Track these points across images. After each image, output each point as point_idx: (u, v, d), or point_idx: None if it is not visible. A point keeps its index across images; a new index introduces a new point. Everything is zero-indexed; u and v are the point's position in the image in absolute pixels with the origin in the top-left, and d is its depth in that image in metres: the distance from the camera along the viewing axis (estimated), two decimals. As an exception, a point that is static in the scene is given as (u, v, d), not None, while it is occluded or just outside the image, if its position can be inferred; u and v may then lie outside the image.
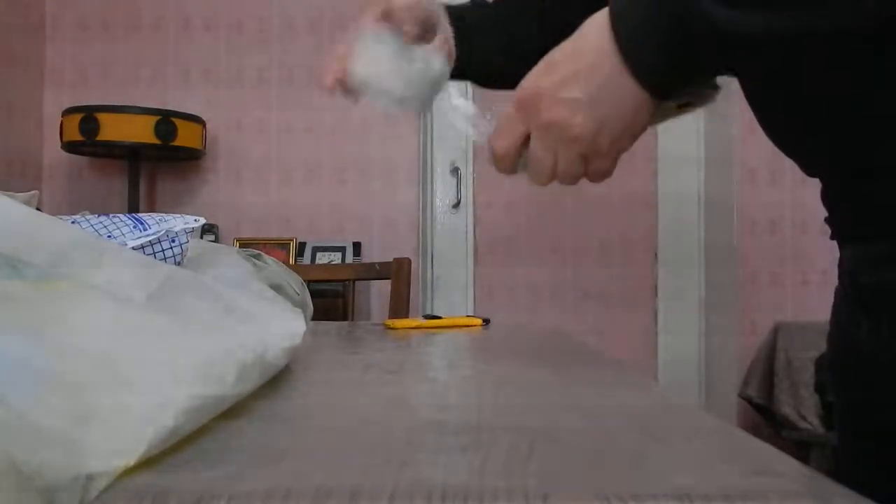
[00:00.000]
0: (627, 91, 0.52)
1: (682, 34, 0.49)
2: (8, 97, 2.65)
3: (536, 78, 0.55)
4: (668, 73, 0.51)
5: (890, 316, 0.57)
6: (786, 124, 0.64)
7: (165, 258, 0.67)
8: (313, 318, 0.90)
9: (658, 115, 0.56)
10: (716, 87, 0.57)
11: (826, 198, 0.65)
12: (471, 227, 2.93)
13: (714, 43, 0.48)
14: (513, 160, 0.58)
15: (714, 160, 2.90)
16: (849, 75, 0.55)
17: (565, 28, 0.55)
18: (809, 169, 0.65)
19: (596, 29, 0.52)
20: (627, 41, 0.51)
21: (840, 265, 0.66)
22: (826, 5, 0.47)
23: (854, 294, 0.62)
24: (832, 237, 0.66)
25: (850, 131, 0.57)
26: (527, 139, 0.57)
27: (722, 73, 0.55)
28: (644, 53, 0.51)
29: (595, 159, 0.56)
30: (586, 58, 0.53)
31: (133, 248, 0.63)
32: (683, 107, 0.57)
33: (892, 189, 0.55)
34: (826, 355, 0.70)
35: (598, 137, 0.54)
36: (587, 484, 0.29)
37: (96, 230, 0.65)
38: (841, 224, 0.64)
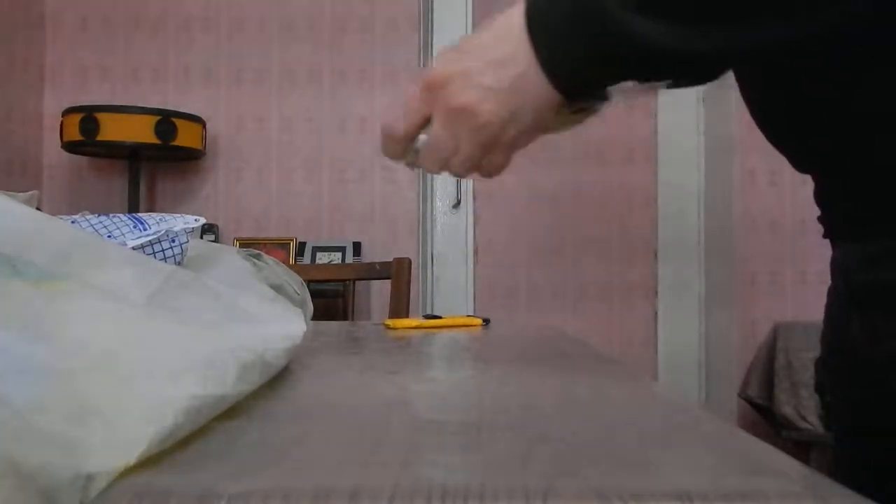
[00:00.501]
0: (541, 87, 0.51)
1: (598, 42, 0.48)
2: (8, 97, 2.65)
3: (450, 61, 0.54)
4: (584, 79, 0.51)
5: (883, 314, 0.57)
6: (781, 122, 0.64)
7: (165, 258, 0.67)
8: (313, 318, 0.90)
9: (562, 117, 0.55)
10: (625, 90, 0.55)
11: (819, 196, 0.65)
12: (471, 227, 2.93)
13: (635, 55, 0.48)
14: (407, 144, 0.57)
15: (714, 160, 2.90)
16: (845, 75, 0.55)
17: None
18: (801, 166, 0.65)
19: (515, 19, 0.52)
20: (543, 41, 0.50)
21: (833, 264, 0.65)
22: (743, 24, 0.46)
23: (847, 292, 0.62)
24: (825, 236, 0.66)
25: (849, 130, 0.57)
26: (424, 124, 0.56)
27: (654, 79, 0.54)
28: (560, 57, 0.50)
29: (495, 151, 0.55)
30: (503, 47, 0.52)
31: (133, 248, 0.63)
32: (583, 110, 0.56)
33: (887, 188, 0.56)
34: (820, 355, 0.70)
35: (505, 128, 0.53)
36: (587, 484, 0.29)
37: (96, 230, 0.64)
38: (835, 223, 0.64)
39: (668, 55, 0.47)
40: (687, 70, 0.51)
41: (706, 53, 0.48)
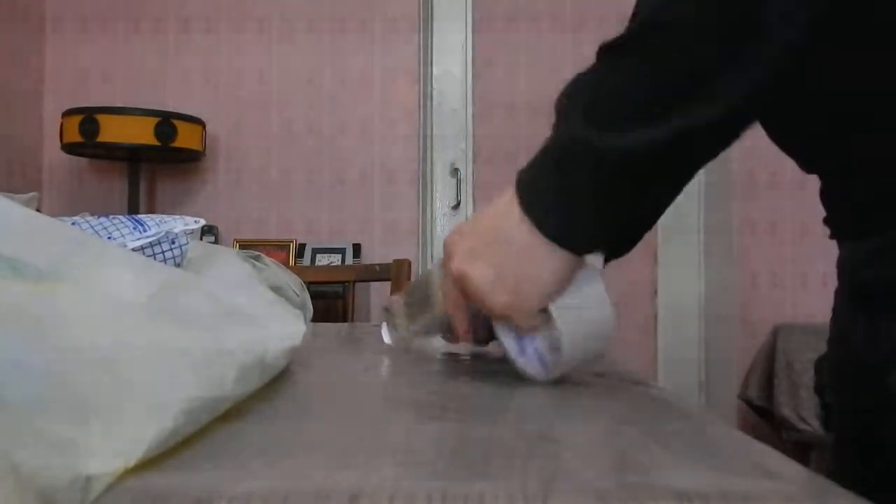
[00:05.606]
0: (543, 255, 0.52)
1: (572, 171, 0.50)
2: (8, 97, 2.65)
3: (459, 236, 0.56)
4: (578, 226, 0.53)
5: (887, 314, 0.57)
6: (788, 123, 0.64)
7: (165, 260, 0.67)
8: (313, 320, 0.90)
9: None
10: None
11: (825, 196, 0.65)
12: (470, 229, 2.93)
13: (606, 169, 0.50)
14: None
15: (713, 161, 2.90)
16: (851, 76, 0.55)
17: None
18: (809, 167, 0.65)
19: (509, 199, 0.53)
20: (529, 203, 0.52)
21: (839, 264, 0.65)
22: (688, 106, 0.48)
23: (852, 293, 0.62)
24: (831, 236, 0.66)
25: (854, 127, 0.57)
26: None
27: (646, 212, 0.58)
28: (548, 217, 0.52)
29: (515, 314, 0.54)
30: (500, 232, 0.53)
31: (133, 250, 0.63)
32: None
33: (891, 181, 0.56)
34: (826, 357, 0.69)
35: (513, 301, 0.53)
36: (587, 484, 0.29)
37: (96, 231, 0.64)
38: (841, 222, 0.64)
39: (634, 158, 0.49)
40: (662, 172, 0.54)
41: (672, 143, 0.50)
